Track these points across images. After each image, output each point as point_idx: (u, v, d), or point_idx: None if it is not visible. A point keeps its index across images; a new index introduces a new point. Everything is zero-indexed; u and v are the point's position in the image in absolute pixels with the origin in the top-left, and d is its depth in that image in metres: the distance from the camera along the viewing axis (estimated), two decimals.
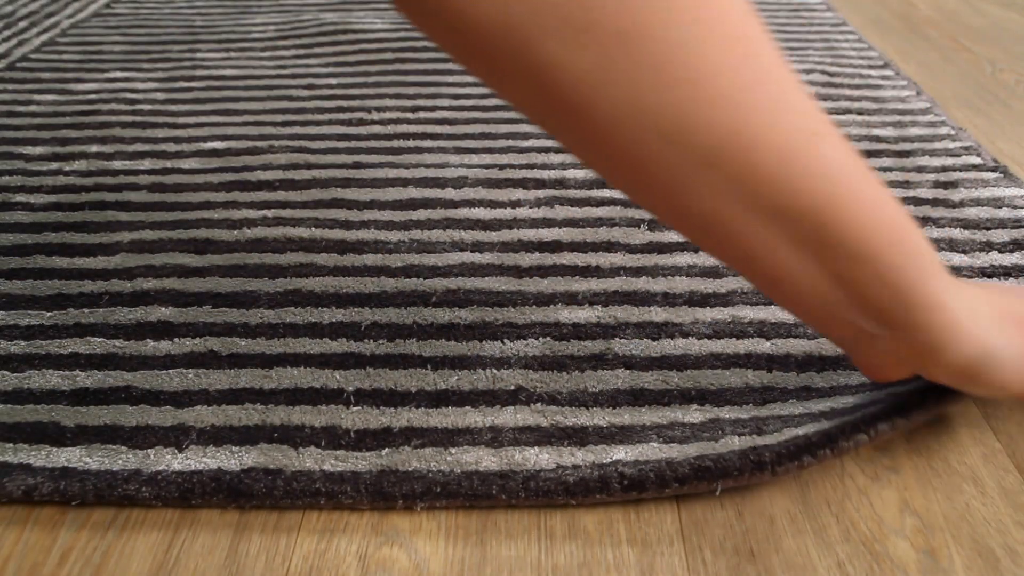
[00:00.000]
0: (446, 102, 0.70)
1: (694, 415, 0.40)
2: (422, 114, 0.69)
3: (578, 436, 0.39)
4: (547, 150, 0.63)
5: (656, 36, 0.25)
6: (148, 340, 0.45)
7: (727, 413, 0.40)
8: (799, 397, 0.41)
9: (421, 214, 0.55)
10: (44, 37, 0.85)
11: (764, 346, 0.44)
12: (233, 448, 0.38)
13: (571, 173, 0.60)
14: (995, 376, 0.33)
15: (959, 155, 0.63)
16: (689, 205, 0.28)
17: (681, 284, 0.49)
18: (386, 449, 0.38)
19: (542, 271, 0.50)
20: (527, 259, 0.51)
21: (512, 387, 0.42)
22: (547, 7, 0.24)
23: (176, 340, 0.45)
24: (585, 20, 0.24)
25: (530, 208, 0.56)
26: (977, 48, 0.85)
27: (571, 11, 0.24)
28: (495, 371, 0.43)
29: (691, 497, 0.37)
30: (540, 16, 0.24)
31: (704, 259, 0.51)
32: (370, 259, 0.51)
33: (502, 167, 0.61)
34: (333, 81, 0.75)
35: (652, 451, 0.38)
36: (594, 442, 0.39)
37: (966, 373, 0.33)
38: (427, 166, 0.61)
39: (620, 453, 0.38)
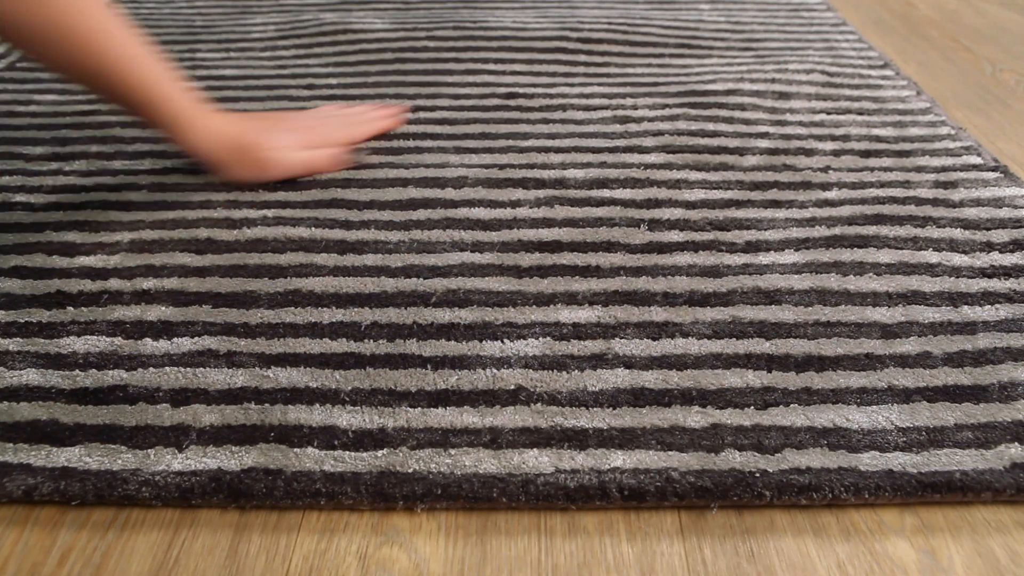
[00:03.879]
0: (446, 102, 0.70)
1: (695, 418, 0.40)
2: (422, 114, 0.69)
3: (578, 439, 0.39)
4: (547, 150, 0.63)
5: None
6: (147, 339, 0.45)
7: (728, 418, 0.40)
8: (800, 401, 0.41)
9: (421, 214, 0.55)
10: None
11: (764, 346, 0.44)
12: (233, 448, 0.38)
13: (571, 173, 0.60)
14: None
15: (959, 155, 0.63)
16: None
17: (681, 284, 0.49)
18: (385, 449, 0.38)
19: (542, 271, 0.50)
20: (527, 259, 0.51)
21: (512, 387, 0.42)
22: None
23: (175, 340, 0.45)
24: None
25: (530, 208, 0.56)
26: (977, 48, 0.85)
27: None
28: (495, 371, 0.43)
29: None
30: None
31: (704, 259, 0.51)
32: (370, 259, 0.51)
33: (502, 167, 0.61)
34: (333, 81, 0.75)
35: (651, 458, 0.38)
36: (593, 445, 0.39)
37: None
38: (427, 166, 0.61)
39: (619, 459, 0.38)
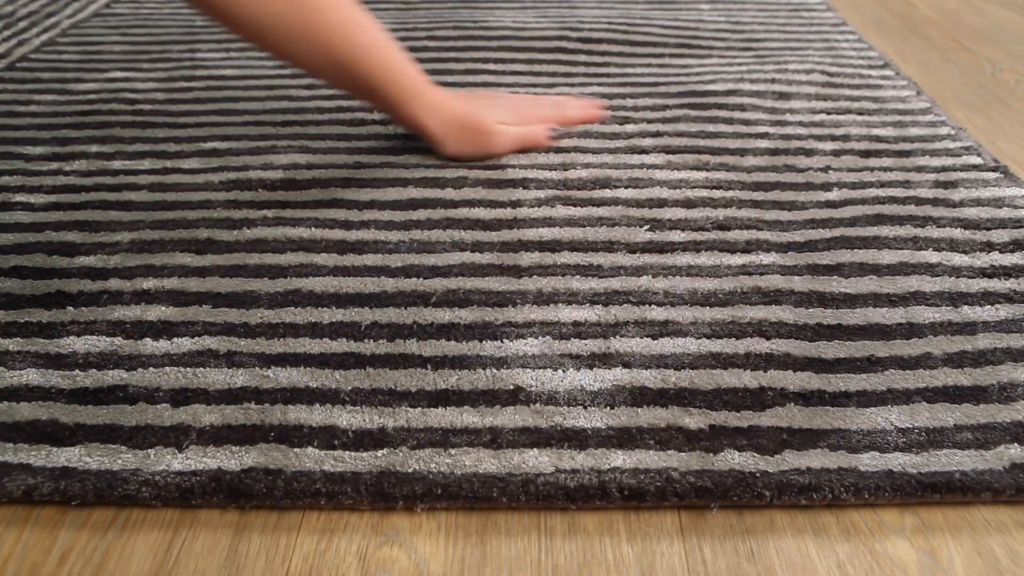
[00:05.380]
0: None
1: (694, 418, 0.40)
2: None
3: (578, 438, 0.39)
4: (548, 150, 0.63)
5: None
6: (147, 339, 0.45)
7: (727, 418, 0.40)
8: (799, 401, 0.41)
9: (421, 214, 0.55)
10: (44, 37, 0.85)
11: (763, 346, 0.44)
12: (233, 448, 0.38)
13: (572, 173, 0.60)
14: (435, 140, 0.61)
15: (959, 155, 0.63)
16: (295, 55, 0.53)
17: (681, 284, 0.49)
18: (385, 449, 0.38)
19: (542, 271, 0.50)
20: (527, 259, 0.51)
21: (512, 387, 0.42)
22: None
23: (175, 340, 0.45)
24: None
25: (530, 208, 0.56)
26: (977, 48, 0.85)
27: None
28: (495, 371, 0.43)
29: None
30: None
31: (704, 259, 0.51)
32: (370, 259, 0.51)
33: (502, 167, 0.61)
34: None
35: (651, 458, 0.38)
36: (593, 445, 0.39)
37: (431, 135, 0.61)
38: (427, 166, 0.61)
39: (619, 459, 0.38)
